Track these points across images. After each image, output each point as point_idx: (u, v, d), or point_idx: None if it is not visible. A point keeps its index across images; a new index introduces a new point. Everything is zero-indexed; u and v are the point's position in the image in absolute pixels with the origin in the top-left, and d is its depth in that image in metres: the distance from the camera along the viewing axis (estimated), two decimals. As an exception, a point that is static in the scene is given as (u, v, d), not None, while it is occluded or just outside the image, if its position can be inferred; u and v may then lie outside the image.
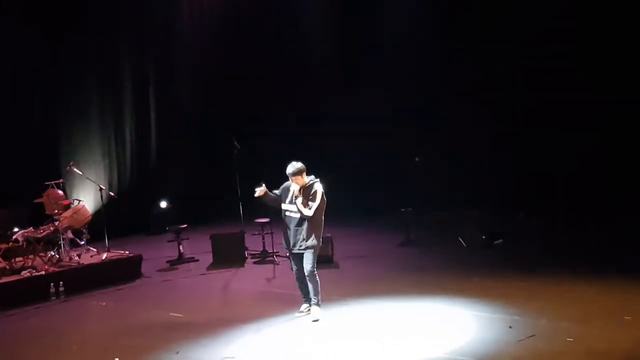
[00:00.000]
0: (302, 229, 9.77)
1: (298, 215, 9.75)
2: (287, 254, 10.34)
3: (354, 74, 18.04)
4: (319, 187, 9.80)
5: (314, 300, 9.98)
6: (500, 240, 13.84)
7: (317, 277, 9.93)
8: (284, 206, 9.94)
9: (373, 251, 14.19)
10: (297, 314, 10.14)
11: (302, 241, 9.78)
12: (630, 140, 15.06)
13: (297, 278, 10.12)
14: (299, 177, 9.76)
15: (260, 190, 9.86)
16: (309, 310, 10.07)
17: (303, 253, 9.85)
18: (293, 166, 9.79)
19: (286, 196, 9.90)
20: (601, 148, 15.24)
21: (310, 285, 9.95)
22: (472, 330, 9.14)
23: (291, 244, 9.89)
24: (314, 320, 9.84)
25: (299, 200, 9.71)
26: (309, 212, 9.69)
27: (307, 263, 9.84)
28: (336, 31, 18.37)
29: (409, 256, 13.73)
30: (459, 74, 16.61)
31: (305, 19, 18.55)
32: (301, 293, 10.17)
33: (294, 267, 10.08)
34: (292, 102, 18.43)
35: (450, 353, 8.40)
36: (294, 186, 9.79)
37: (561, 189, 15.40)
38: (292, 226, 9.84)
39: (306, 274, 9.88)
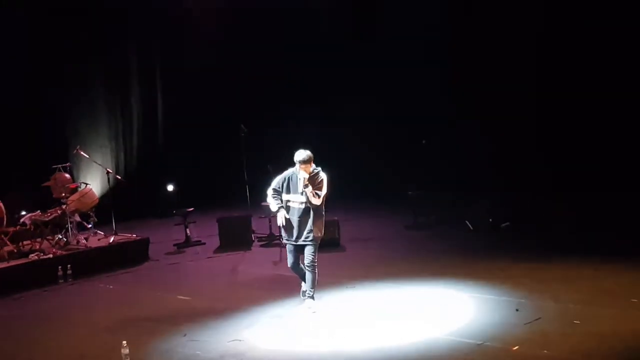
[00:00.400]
0: (308, 219, 9.41)
1: (302, 206, 9.41)
2: (284, 245, 9.95)
3: (363, 53, 17.95)
4: (324, 175, 9.51)
5: (309, 293, 9.62)
6: (507, 224, 13.82)
7: (317, 269, 9.61)
8: (287, 197, 9.53)
9: (380, 234, 14.20)
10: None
11: (308, 232, 9.42)
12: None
13: (292, 269, 9.77)
14: (309, 164, 9.35)
15: (281, 217, 9.49)
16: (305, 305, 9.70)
17: (306, 245, 9.52)
18: (304, 153, 9.38)
19: (288, 186, 9.53)
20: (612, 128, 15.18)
21: (308, 276, 9.58)
22: (479, 313, 9.14)
23: (294, 235, 9.50)
24: (313, 312, 9.56)
25: (309, 189, 9.31)
26: (318, 202, 9.38)
27: (310, 254, 9.48)
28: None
29: (415, 239, 13.73)
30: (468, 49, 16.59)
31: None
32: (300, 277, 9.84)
33: (291, 259, 9.65)
34: (298, 85, 18.33)
35: (458, 335, 8.41)
36: (301, 174, 9.36)
37: (572, 170, 15.33)
38: (295, 217, 9.46)
39: (307, 265, 9.52)
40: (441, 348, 8.10)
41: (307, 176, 9.35)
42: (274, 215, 14.00)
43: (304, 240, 9.49)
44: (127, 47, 17.75)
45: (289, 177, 9.56)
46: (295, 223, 9.48)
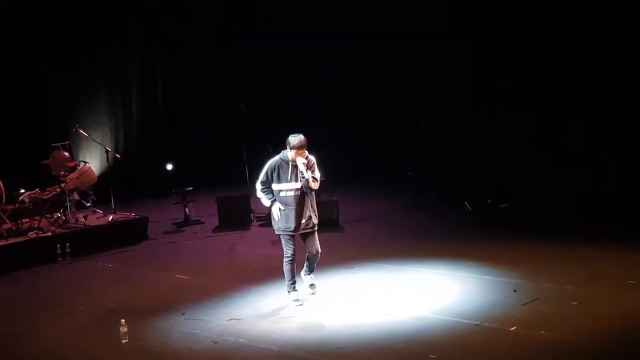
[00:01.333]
0: (307, 206, 9.03)
1: (297, 193, 8.97)
2: (279, 237, 9.31)
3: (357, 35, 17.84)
4: (314, 158, 9.09)
5: (309, 271, 9.45)
6: (506, 205, 13.82)
7: None
8: (279, 186, 9.07)
9: (378, 215, 14.20)
10: (297, 304, 9.19)
11: (308, 219, 9.04)
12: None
13: (291, 261, 9.14)
14: (304, 149, 8.93)
15: (276, 210, 9.06)
16: (311, 284, 9.48)
17: (309, 232, 9.17)
18: (299, 138, 8.91)
19: (278, 175, 9.03)
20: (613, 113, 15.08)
21: (314, 263, 9.39)
22: (477, 293, 9.16)
23: (293, 225, 9.03)
24: (312, 287, 9.45)
25: (309, 174, 8.88)
26: (317, 186, 9.02)
27: (316, 242, 9.17)
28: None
29: (414, 220, 13.73)
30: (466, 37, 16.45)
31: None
32: (290, 280, 9.21)
33: (292, 250, 9.12)
34: (294, 64, 18.24)
35: (455, 315, 8.43)
36: (298, 160, 8.89)
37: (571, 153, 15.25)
38: (292, 206, 8.99)
39: (316, 253, 9.20)
40: (439, 328, 8.12)
41: (304, 161, 8.93)
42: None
43: (305, 229, 9.10)
44: (128, 24, 17.64)
45: (277, 166, 9.05)
46: (292, 212, 9.02)
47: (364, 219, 14.02)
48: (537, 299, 8.78)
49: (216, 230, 13.97)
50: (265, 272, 10.80)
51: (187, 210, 14.61)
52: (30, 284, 11.26)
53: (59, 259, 12.26)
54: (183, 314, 9.17)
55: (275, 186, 9.10)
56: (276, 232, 9.29)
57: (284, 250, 9.21)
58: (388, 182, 16.53)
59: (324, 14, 18.21)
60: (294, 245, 9.16)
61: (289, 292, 9.27)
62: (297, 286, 9.29)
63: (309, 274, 9.53)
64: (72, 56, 16.64)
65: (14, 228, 12.62)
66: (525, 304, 8.65)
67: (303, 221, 9.07)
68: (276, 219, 9.14)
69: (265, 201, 9.23)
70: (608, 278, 9.39)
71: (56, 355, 8.32)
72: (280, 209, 9.08)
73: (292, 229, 9.08)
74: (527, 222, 12.76)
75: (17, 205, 12.88)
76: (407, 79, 17.10)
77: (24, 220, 12.88)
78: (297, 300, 9.22)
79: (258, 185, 9.24)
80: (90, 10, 16.68)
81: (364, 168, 17.40)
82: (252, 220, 14.29)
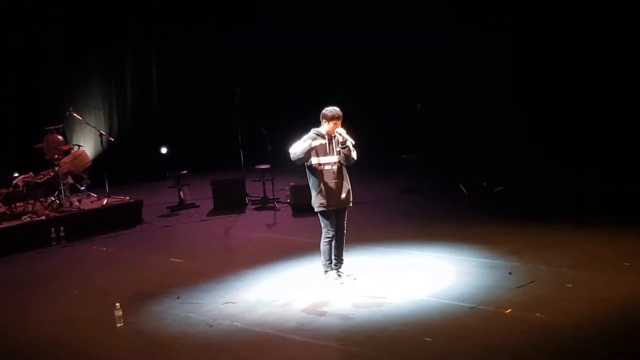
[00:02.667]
0: (345, 179, 8.92)
1: (337, 166, 8.84)
2: (322, 215, 8.94)
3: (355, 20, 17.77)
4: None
5: (342, 261, 9.25)
6: (501, 188, 13.81)
7: None
8: (318, 160, 8.87)
9: (374, 198, 14.18)
10: (340, 282, 9.09)
11: (348, 194, 8.92)
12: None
13: (330, 241, 8.98)
14: (340, 121, 8.82)
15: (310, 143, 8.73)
16: (344, 274, 9.19)
17: (344, 208, 9.02)
18: (335, 109, 8.77)
19: (316, 150, 8.82)
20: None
21: (342, 244, 9.15)
22: (472, 276, 9.16)
23: (336, 200, 8.85)
24: (355, 279, 9.19)
25: (351, 141, 8.77)
26: (356, 155, 8.91)
27: (345, 218, 9.10)
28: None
29: (410, 203, 13.73)
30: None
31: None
32: (328, 259, 9.12)
33: (333, 229, 8.93)
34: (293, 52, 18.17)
35: (451, 298, 8.42)
36: (339, 130, 8.75)
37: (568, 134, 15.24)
38: (332, 180, 8.82)
39: (344, 231, 9.08)
40: (434, 311, 8.12)
41: (343, 131, 8.80)
42: (268, 179, 14.09)
43: (343, 204, 8.94)
44: (123, 10, 17.51)
45: (314, 138, 8.84)
46: (333, 186, 8.84)
47: (360, 202, 13.92)
48: (533, 281, 8.77)
49: (211, 213, 13.94)
50: (260, 255, 10.79)
51: (181, 194, 14.58)
52: (25, 267, 11.23)
53: (53, 243, 12.22)
54: (178, 298, 9.15)
55: (314, 160, 8.88)
56: (316, 209, 8.97)
57: (325, 229, 8.99)
58: (383, 166, 16.47)
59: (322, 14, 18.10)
60: (333, 224, 8.96)
61: (325, 271, 9.17)
62: (337, 263, 9.19)
63: (340, 267, 9.22)
64: (67, 39, 16.53)
65: (8, 212, 12.58)
66: (520, 286, 8.65)
67: (343, 195, 8.94)
68: (311, 145, 8.81)
69: (303, 145, 8.77)
70: (603, 261, 9.38)
71: (51, 340, 8.29)
72: (324, 182, 8.84)
73: (334, 205, 8.90)
74: (522, 205, 12.76)
75: (10, 189, 12.83)
76: (404, 73, 17.09)
77: (17, 204, 12.84)
78: (338, 278, 9.10)
79: (293, 147, 8.86)
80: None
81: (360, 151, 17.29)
82: (247, 204, 14.26)
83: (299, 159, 8.85)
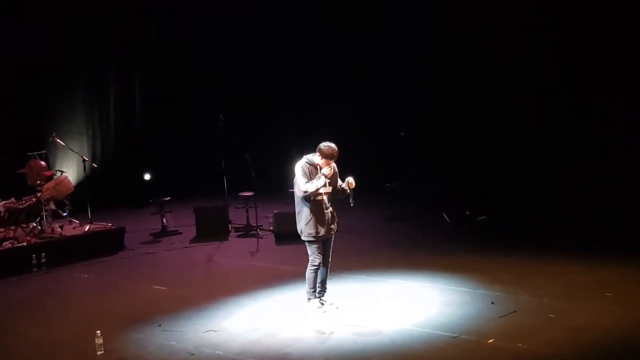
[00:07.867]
0: (332, 209, 9.01)
1: (327, 197, 8.91)
2: (311, 244, 8.98)
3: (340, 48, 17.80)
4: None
5: (326, 289, 9.26)
6: (484, 217, 13.86)
7: None
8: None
9: (358, 226, 14.13)
10: (322, 310, 9.10)
11: (336, 223, 9.07)
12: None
13: (317, 269, 9.04)
14: (334, 160, 8.91)
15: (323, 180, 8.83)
16: (327, 302, 9.21)
17: (330, 237, 9.11)
18: (331, 147, 8.81)
19: (310, 179, 8.85)
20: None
21: (326, 273, 9.20)
22: (455, 305, 9.17)
23: (326, 228, 8.91)
24: (337, 307, 9.21)
25: (324, 177, 8.83)
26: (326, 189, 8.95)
27: (332, 246, 9.21)
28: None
29: (393, 231, 13.75)
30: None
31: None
32: (312, 287, 9.14)
33: (320, 257, 9.00)
34: (278, 76, 18.21)
35: (432, 328, 8.42)
36: (326, 169, 8.82)
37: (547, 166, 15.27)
38: (324, 210, 8.88)
39: (329, 258, 9.17)
40: (416, 340, 8.12)
41: (334, 165, 8.93)
42: (251, 206, 14.09)
43: (330, 234, 9.04)
44: (105, 34, 17.52)
45: (311, 172, 8.89)
46: (324, 216, 8.90)
47: (343, 230, 13.92)
48: (515, 311, 8.80)
49: (194, 240, 13.90)
50: (242, 283, 10.76)
51: (164, 221, 14.53)
52: (5, 294, 11.12)
53: (34, 269, 12.13)
54: (159, 325, 9.10)
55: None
56: (304, 238, 8.99)
57: (312, 258, 9.01)
58: (367, 194, 16.42)
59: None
60: (321, 253, 9.00)
61: (309, 299, 9.17)
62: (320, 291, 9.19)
63: (324, 295, 9.24)
64: (50, 65, 16.48)
65: (-11, 238, 12.49)
66: (503, 316, 8.67)
67: (333, 226, 9.03)
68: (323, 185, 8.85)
69: (317, 184, 8.81)
70: (585, 291, 9.42)
71: (30, 367, 8.22)
72: (310, 214, 8.87)
73: (322, 233, 8.92)
74: (505, 235, 12.80)
75: (-8, 214, 12.76)
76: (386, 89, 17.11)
77: (-1, 230, 12.76)
78: (320, 306, 9.11)
79: (307, 185, 8.82)
80: (69, 19, 16.55)
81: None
82: (230, 231, 14.23)
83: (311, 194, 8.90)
